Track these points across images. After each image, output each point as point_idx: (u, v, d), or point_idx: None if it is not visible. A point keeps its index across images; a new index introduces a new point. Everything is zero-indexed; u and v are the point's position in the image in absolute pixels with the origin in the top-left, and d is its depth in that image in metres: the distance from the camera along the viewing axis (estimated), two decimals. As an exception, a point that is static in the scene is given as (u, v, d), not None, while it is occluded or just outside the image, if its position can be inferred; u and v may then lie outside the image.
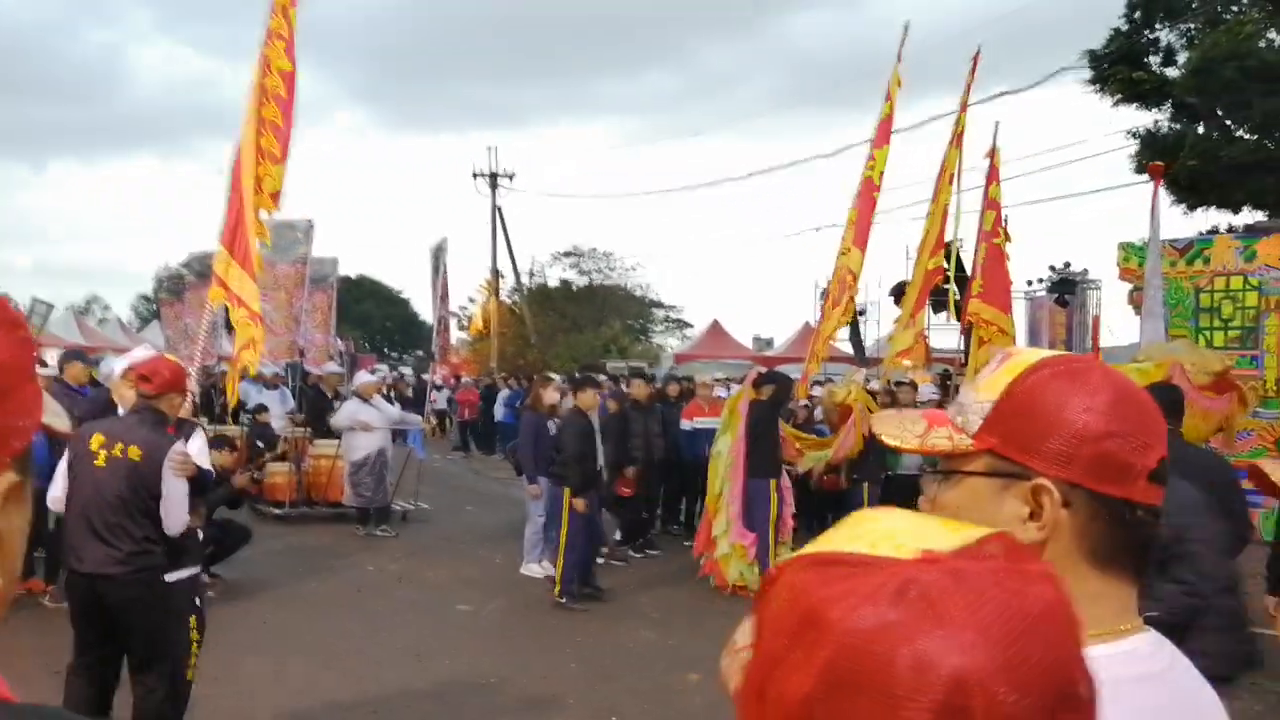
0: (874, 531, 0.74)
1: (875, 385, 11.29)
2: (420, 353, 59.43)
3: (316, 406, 14.36)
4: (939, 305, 16.13)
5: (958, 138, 10.75)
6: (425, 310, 67.32)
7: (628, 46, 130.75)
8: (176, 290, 19.70)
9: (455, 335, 35.78)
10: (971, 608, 0.64)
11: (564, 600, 8.89)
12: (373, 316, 65.95)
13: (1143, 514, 1.09)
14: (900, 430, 1.21)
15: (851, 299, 10.31)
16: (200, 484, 5.10)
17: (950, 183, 10.71)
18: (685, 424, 12.09)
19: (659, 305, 48.74)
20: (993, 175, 11.10)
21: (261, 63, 6.74)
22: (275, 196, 6.73)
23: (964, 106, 10.80)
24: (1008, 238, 11.13)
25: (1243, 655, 4.47)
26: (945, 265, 11.13)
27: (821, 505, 11.51)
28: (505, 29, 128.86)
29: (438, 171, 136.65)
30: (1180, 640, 1.17)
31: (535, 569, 9.88)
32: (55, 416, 0.88)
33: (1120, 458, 1.07)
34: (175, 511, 4.92)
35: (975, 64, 11.00)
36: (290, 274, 14.36)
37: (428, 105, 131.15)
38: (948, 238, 11.63)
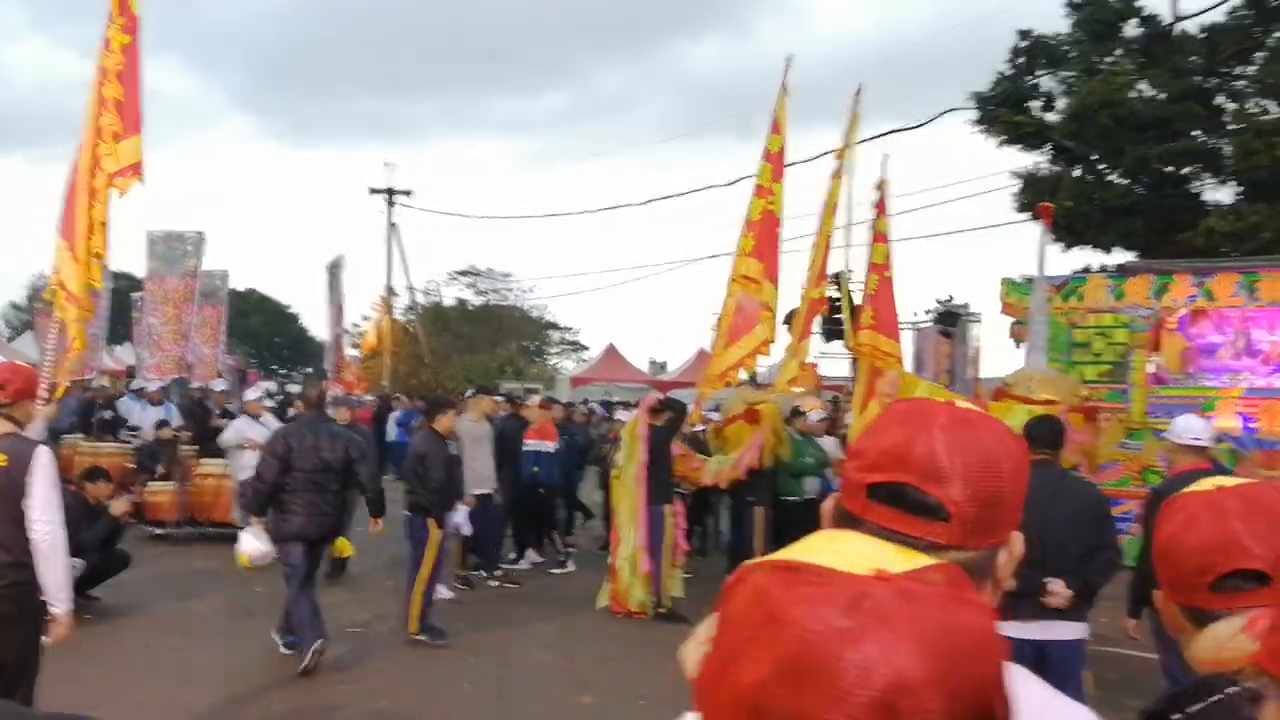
0: (835, 550, 0.82)
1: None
2: (309, 370, 58.28)
3: (205, 422, 14.05)
4: (833, 334, 16.53)
5: (839, 172, 11.07)
6: (315, 326, 66.10)
7: (521, 66, 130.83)
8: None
9: (347, 352, 35.25)
10: (915, 623, 0.73)
11: (424, 637, 8.40)
12: (261, 332, 64.54)
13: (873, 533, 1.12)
14: None
15: (773, 331, 10.51)
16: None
17: (833, 215, 11.02)
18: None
19: (555, 327, 48.85)
20: (880, 208, 11.44)
21: (103, 44, 6.58)
22: (136, 169, 6.44)
23: (846, 142, 11.11)
24: (890, 267, 11.43)
25: None
26: (832, 295, 11.45)
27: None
28: (396, 42, 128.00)
29: (327, 185, 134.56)
30: None
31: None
32: None
33: (847, 474, 1.24)
34: (54, 518, 4.78)
35: (856, 100, 11.31)
36: (179, 287, 14.06)
37: (315, 116, 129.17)
38: (838, 269, 11.97)
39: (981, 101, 22.68)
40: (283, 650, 7.79)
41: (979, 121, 22.78)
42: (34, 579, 4.86)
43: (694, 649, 1.07)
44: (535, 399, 13.70)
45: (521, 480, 11.70)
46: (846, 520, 1.18)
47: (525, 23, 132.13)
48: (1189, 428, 5.95)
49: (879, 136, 20.46)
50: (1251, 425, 12.18)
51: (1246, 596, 1.51)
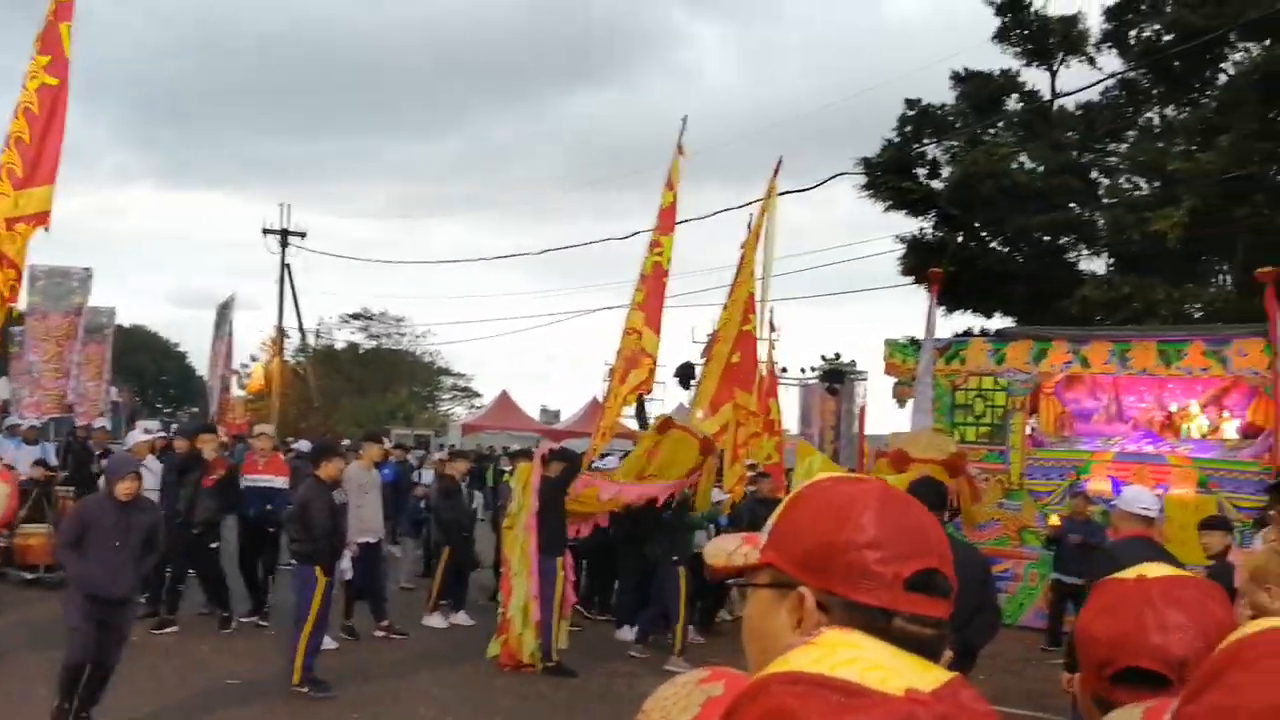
0: (857, 659, 0.79)
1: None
2: (195, 409, 56.66)
3: (80, 461, 13.62)
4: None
5: (755, 236, 11.48)
6: (202, 365, 64.43)
7: (411, 113, 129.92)
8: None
9: (234, 393, 34.47)
10: None
11: (306, 689, 8.22)
12: (146, 369, 62.60)
13: (904, 622, 1.11)
14: (718, 549, 1.30)
15: (650, 377, 10.69)
16: None
17: (750, 277, 11.36)
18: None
19: (448, 373, 48.42)
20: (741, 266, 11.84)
21: (24, 78, 6.45)
22: (41, 218, 6.28)
23: (764, 210, 11.56)
24: (750, 323, 11.57)
25: None
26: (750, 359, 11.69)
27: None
28: (287, 85, 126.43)
29: (213, 222, 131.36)
30: None
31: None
32: None
33: (870, 567, 1.12)
34: None
35: (776, 172, 11.84)
36: (62, 324, 13.68)
37: (200, 155, 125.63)
38: (714, 327, 12.30)
39: (870, 167, 23.43)
40: None
41: (867, 186, 23.50)
42: None
43: None
44: (261, 429, 13.30)
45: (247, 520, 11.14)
46: (864, 615, 1.10)
47: (420, 70, 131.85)
48: (1138, 498, 6.13)
49: (761, 200, 21.01)
50: (1122, 488, 12.73)
51: (1146, 695, 1.47)
